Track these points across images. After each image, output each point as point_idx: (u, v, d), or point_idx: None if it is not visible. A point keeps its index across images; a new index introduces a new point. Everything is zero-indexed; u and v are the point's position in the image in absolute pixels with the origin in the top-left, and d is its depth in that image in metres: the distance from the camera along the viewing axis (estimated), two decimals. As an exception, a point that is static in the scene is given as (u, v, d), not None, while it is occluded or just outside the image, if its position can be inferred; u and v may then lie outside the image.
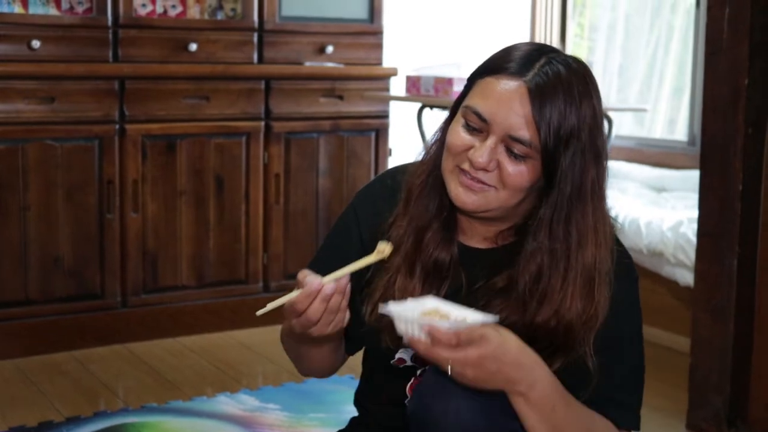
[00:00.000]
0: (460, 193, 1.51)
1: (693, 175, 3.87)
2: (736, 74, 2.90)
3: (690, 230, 3.62)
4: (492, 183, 1.49)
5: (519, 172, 1.48)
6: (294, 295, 1.45)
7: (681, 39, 4.67)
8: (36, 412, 3.12)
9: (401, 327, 1.40)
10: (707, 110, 3.01)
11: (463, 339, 1.37)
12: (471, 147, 1.49)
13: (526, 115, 1.45)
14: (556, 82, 1.46)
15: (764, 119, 2.91)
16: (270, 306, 1.47)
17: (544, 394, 1.45)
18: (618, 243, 1.61)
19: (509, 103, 1.46)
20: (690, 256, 3.57)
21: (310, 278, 1.45)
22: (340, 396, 3.18)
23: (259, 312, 1.48)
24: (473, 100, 1.50)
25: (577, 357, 1.53)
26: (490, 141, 1.47)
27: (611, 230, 1.58)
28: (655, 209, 4.03)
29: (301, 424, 3.06)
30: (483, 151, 1.47)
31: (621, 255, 1.60)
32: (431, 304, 1.43)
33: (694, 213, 3.23)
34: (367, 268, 1.55)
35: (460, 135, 1.51)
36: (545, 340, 1.51)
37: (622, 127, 4.76)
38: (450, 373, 1.40)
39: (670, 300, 3.90)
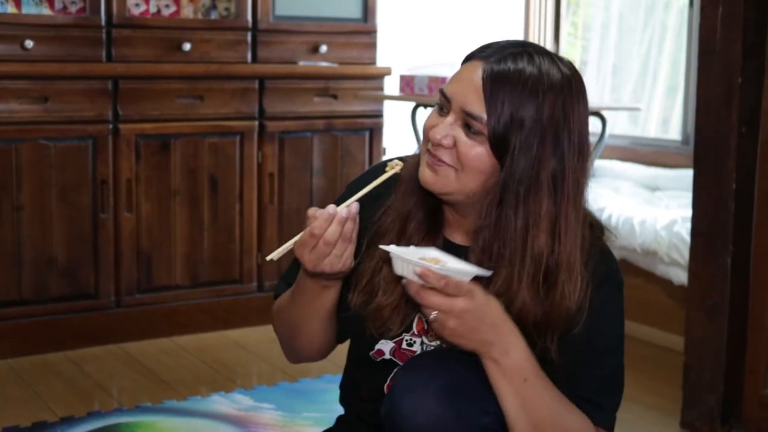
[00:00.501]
0: (425, 173, 1.56)
1: (687, 174, 3.88)
2: (730, 74, 2.90)
3: (684, 229, 3.63)
4: (451, 162, 1.53)
5: (475, 153, 1.52)
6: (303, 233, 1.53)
7: (674, 38, 4.68)
8: (30, 413, 3.12)
9: (398, 267, 1.47)
10: (701, 109, 3.02)
11: (451, 287, 1.43)
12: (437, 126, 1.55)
13: (480, 92, 1.50)
14: (520, 72, 1.50)
15: (757, 118, 2.91)
16: (283, 248, 1.56)
17: (518, 364, 1.49)
18: (605, 247, 1.63)
19: (468, 80, 1.52)
20: (684, 255, 3.57)
21: (321, 210, 1.52)
22: (333, 395, 3.16)
23: (271, 256, 1.55)
24: (446, 84, 1.58)
25: (543, 353, 1.54)
26: (450, 117, 1.54)
27: (594, 232, 1.60)
28: (649, 208, 4.03)
29: (296, 423, 3.06)
30: (440, 127, 1.53)
31: (608, 260, 1.62)
32: (433, 253, 1.50)
33: (688, 212, 3.23)
34: (356, 254, 1.60)
35: (431, 118, 1.57)
36: None
37: (615, 126, 4.76)
38: (433, 321, 1.45)
39: (664, 299, 3.91)
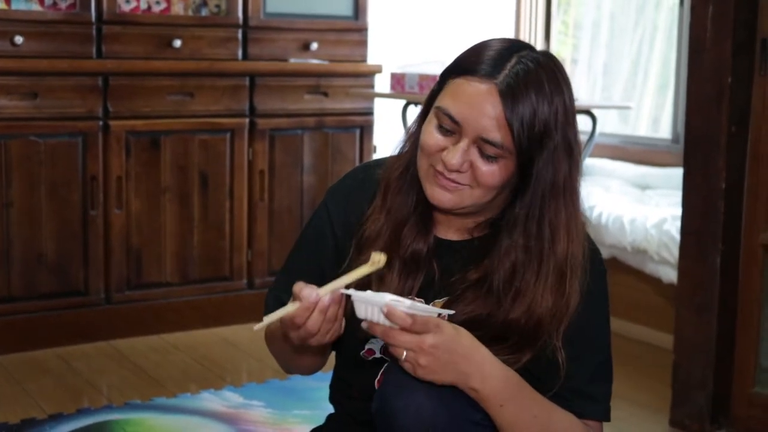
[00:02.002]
0: (436, 193, 1.54)
1: (677, 173, 3.88)
2: (720, 72, 2.91)
3: (674, 228, 3.64)
4: (466, 182, 1.52)
5: (491, 172, 1.50)
6: (290, 308, 1.46)
7: (665, 37, 4.69)
8: (18, 410, 3.11)
9: (361, 310, 1.44)
10: (691, 108, 3.02)
11: (418, 324, 1.41)
12: (444, 148, 1.51)
13: (498, 117, 1.47)
14: (527, 81, 1.47)
15: (747, 117, 2.92)
16: (267, 320, 1.49)
17: (494, 391, 1.48)
18: (588, 238, 1.63)
19: (480, 105, 1.47)
20: (673, 253, 3.58)
21: (306, 291, 1.46)
22: (324, 393, 3.15)
23: (257, 327, 1.49)
24: (445, 102, 1.52)
25: (546, 349, 1.55)
26: (463, 143, 1.49)
27: (583, 224, 1.61)
28: (638, 207, 4.04)
29: (285, 420, 3.06)
30: (456, 153, 1.49)
31: (590, 249, 1.62)
32: (388, 297, 1.45)
33: (678, 210, 3.24)
34: (344, 258, 1.60)
35: (433, 136, 1.53)
36: (516, 335, 1.54)
37: (606, 124, 4.77)
38: (404, 361, 1.44)
39: (654, 297, 3.92)
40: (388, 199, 1.62)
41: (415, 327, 1.42)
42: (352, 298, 1.44)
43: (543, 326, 1.53)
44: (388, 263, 1.56)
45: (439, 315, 1.48)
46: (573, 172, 1.54)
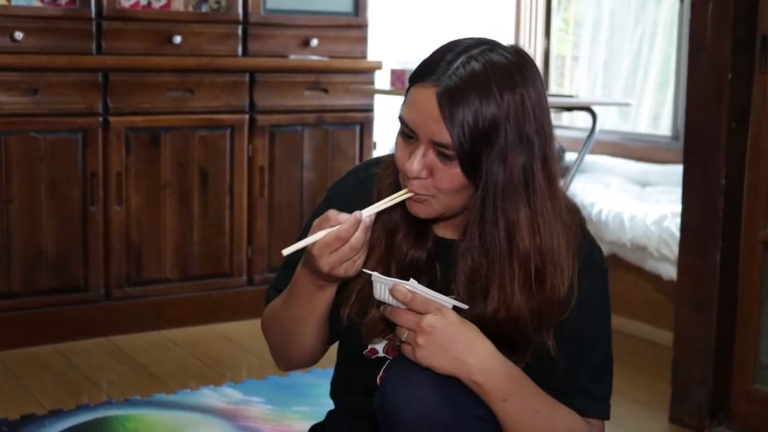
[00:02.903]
0: (412, 206, 1.56)
1: (677, 170, 3.88)
2: (720, 69, 2.91)
3: (673, 224, 3.64)
4: (428, 192, 1.52)
5: (450, 175, 1.49)
6: (322, 234, 1.50)
7: (665, 34, 4.69)
8: (18, 405, 3.11)
9: (377, 290, 1.50)
10: (691, 105, 3.02)
11: (418, 303, 1.46)
12: (409, 157, 1.52)
13: (440, 119, 1.46)
14: (469, 82, 1.45)
15: (747, 114, 2.92)
16: (299, 244, 1.52)
17: (497, 385, 1.50)
18: (586, 234, 1.62)
19: (426, 110, 1.48)
20: (673, 250, 3.58)
21: (344, 214, 1.50)
22: (323, 389, 3.16)
23: (286, 251, 1.52)
24: (403, 110, 1.53)
25: (542, 346, 1.55)
26: (420, 149, 1.50)
27: (575, 220, 1.59)
28: (638, 203, 4.04)
29: (285, 417, 3.06)
30: (413, 160, 1.50)
31: (590, 247, 1.62)
32: (412, 283, 1.49)
33: (678, 207, 3.24)
34: None
35: (401, 147, 1.54)
36: (497, 332, 1.53)
37: (606, 121, 4.77)
38: (405, 344, 1.48)
39: (654, 294, 3.92)
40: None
41: (415, 305, 1.46)
42: (372, 278, 1.50)
43: (523, 325, 1.52)
44: (385, 272, 1.58)
45: (454, 307, 1.50)
46: (535, 165, 1.50)
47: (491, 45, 1.52)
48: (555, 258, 1.53)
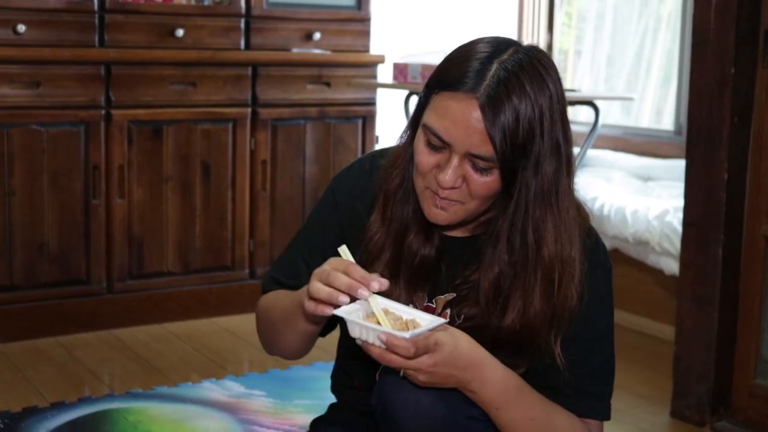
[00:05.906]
0: (433, 213, 1.53)
1: (679, 165, 3.88)
2: (723, 64, 2.90)
3: (675, 219, 3.63)
4: (460, 198, 1.50)
5: (485, 184, 1.48)
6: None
7: (669, 28, 4.68)
8: (20, 398, 3.12)
9: (356, 331, 1.41)
10: (693, 99, 3.02)
11: (419, 348, 1.40)
12: (437, 165, 1.49)
13: (483, 131, 1.44)
14: (508, 89, 1.43)
15: (750, 109, 2.92)
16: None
17: (491, 395, 1.50)
18: (591, 233, 1.61)
19: (465, 122, 1.44)
20: (675, 245, 3.58)
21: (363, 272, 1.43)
22: (325, 383, 3.16)
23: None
24: (431, 119, 1.49)
25: (546, 352, 1.55)
26: (454, 160, 1.47)
27: (581, 219, 1.58)
28: (640, 198, 4.04)
29: (286, 410, 3.07)
30: (448, 172, 1.47)
31: (595, 245, 1.61)
32: (382, 301, 1.44)
33: (680, 202, 3.24)
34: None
35: (425, 155, 1.50)
36: (512, 342, 1.53)
37: (608, 116, 4.76)
38: (402, 377, 1.45)
39: (655, 289, 3.92)
40: (388, 211, 1.60)
41: (417, 353, 1.40)
42: (345, 320, 1.41)
43: (538, 333, 1.52)
44: (394, 274, 1.57)
45: (435, 326, 1.43)
46: (560, 171, 1.50)
47: (515, 47, 1.49)
48: (570, 261, 1.52)
